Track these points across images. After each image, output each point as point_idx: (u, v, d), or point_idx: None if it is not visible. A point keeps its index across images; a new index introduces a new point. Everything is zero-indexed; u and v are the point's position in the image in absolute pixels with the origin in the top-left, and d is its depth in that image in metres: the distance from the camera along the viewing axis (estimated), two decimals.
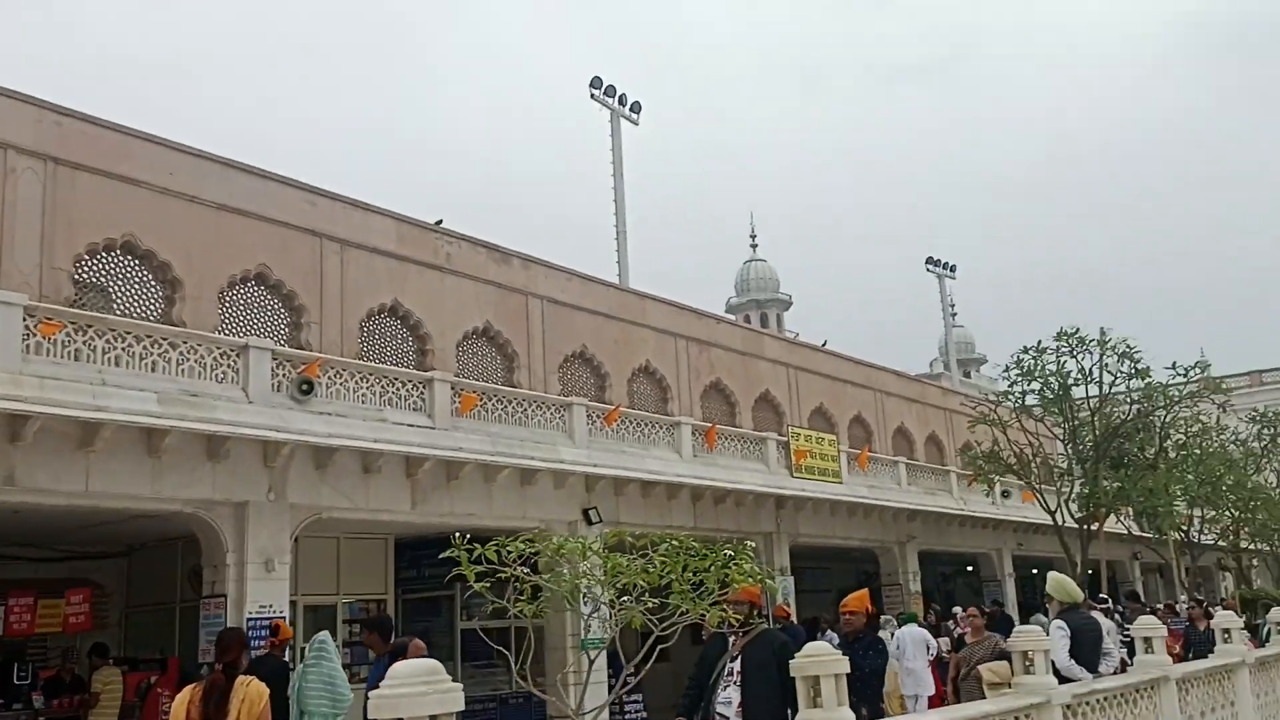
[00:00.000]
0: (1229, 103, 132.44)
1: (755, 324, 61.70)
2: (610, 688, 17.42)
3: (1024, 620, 18.15)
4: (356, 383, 15.47)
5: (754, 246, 71.90)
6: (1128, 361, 21.92)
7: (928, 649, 17.24)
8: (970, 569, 32.24)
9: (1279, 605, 16.81)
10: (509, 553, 5.23)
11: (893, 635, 17.67)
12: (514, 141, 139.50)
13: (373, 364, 16.84)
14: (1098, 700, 8.42)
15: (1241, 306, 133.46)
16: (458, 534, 5.35)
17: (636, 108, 33.26)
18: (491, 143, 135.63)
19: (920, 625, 18.51)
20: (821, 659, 5.61)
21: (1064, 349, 22.20)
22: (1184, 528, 25.92)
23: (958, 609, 21.65)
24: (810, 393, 31.53)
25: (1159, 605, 23.67)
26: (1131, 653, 10.59)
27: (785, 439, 23.83)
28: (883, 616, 20.04)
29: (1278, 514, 28.47)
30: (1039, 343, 22.47)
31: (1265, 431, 32.41)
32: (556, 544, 5.45)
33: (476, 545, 5.26)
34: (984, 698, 8.69)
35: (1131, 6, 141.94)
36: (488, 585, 5.27)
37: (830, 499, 23.62)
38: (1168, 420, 23.87)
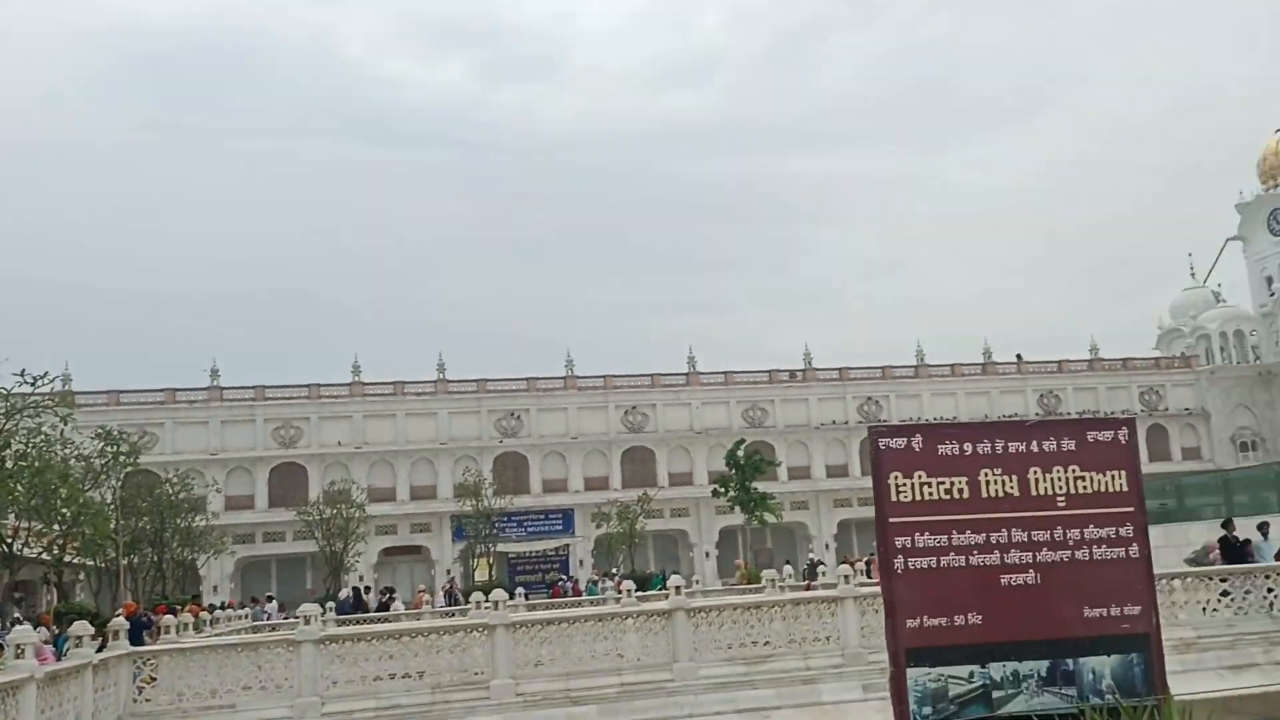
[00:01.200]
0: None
1: None
2: None
3: None
4: None
5: None
6: None
7: None
8: None
9: (83, 619, 17.14)
10: None
11: None
12: None
13: None
14: None
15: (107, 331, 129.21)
16: None
17: None
18: None
19: None
20: None
21: None
22: (8, 540, 24.95)
23: None
24: None
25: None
26: None
27: None
28: None
29: (105, 529, 29.29)
30: None
31: (109, 449, 33.32)
32: None
33: None
34: None
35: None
36: None
37: None
38: (8, 428, 22.91)
